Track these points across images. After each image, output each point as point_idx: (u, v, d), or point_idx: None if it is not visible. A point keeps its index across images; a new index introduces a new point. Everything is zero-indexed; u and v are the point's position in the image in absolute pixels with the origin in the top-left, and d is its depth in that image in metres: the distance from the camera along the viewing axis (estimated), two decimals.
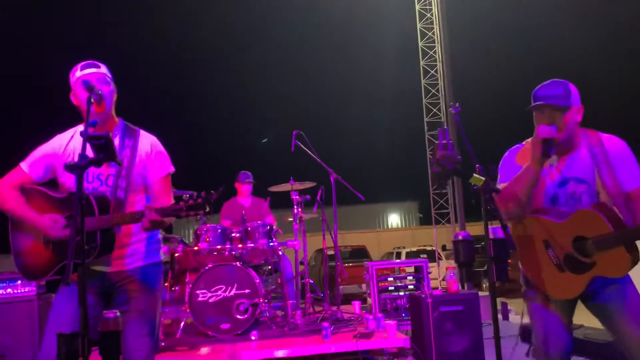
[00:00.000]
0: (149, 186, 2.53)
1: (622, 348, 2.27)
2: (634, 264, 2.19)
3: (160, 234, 2.65)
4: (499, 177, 2.50)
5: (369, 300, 5.82)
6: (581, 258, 2.23)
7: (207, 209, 2.20)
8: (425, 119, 15.78)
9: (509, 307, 7.71)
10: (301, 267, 6.18)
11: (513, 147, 2.52)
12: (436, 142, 2.46)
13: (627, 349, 2.24)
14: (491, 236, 2.35)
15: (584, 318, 2.82)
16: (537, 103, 2.28)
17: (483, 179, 2.31)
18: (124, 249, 2.46)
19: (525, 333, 5.44)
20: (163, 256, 2.64)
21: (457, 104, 2.80)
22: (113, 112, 2.54)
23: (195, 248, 5.22)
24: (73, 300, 2.11)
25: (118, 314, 2.04)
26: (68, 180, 2.44)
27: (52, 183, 2.51)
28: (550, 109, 2.25)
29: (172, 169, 2.60)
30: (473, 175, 2.32)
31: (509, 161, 2.49)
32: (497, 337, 2.37)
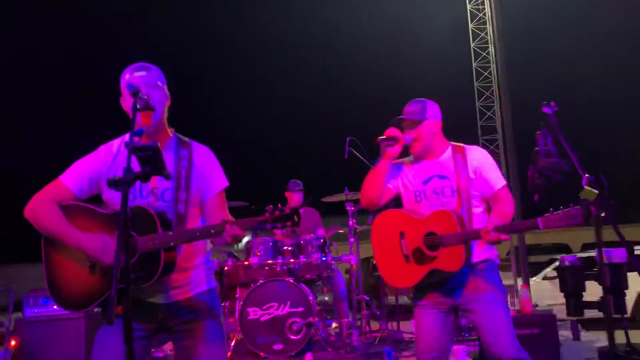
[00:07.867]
0: (205, 201, 2.26)
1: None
2: (467, 261, 2.49)
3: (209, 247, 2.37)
4: None
5: None
6: (427, 252, 2.54)
7: (296, 220, 1.95)
8: (479, 123, 15.12)
9: (579, 327, 7.07)
10: (349, 278, 5.85)
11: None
12: (536, 148, 2.07)
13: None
14: (606, 261, 1.93)
15: None
16: (397, 117, 2.78)
17: (596, 191, 1.90)
18: (185, 274, 2.18)
19: (604, 357, 4.87)
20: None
21: (551, 103, 2.40)
22: (165, 122, 2.25)
23: (246, 263, 4.96)
24: (120, 337, 1.73)
25: (169, 352, 1.77)
26: (115, 196, 2.12)
27: (95, 200, 2.22)
28: (408, 122, 2.75)
29: (227, 184, 2.32)
30: (583, 187, 1.92)
31: None
32: None
